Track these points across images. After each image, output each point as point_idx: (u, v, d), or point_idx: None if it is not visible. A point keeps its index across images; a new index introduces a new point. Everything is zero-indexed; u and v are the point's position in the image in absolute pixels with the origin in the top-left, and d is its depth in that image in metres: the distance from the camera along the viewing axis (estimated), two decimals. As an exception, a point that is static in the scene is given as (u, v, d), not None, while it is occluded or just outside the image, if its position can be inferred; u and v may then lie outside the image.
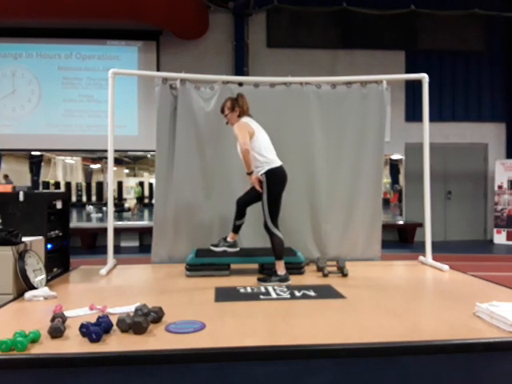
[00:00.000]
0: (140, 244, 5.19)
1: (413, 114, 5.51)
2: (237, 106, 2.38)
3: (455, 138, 5.68)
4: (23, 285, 2.00)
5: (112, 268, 2.81)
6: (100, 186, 5.61)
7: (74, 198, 5.54)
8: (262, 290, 2.17)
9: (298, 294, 2.07)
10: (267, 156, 2.34)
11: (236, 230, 2.58)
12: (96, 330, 1.40)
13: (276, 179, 2.32)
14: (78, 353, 1.32)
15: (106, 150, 2.90)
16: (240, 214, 2.53)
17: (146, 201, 5.78)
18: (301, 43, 5.41)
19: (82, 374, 1.27)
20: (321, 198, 3.12)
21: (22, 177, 5.40)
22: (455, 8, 5.40)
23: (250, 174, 2.29)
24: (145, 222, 5.39)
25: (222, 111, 2.45)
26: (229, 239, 2.61)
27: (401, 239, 5.50)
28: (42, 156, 5.39)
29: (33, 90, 5.15)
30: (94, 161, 5.65)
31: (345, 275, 2.50)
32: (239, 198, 2.56)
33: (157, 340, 1.42)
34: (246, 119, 2.38)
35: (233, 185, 3.07)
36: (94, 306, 1.78)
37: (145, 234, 5.10)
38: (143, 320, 1.48)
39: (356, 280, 2.42)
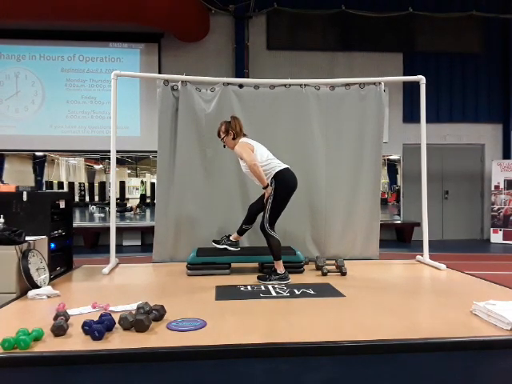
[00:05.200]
0: (142, 243, 5.22)
1: (410, 115, 5.54)
2: (230, 129, 2.42)
3: (452, 139, 5.71)
4: (26, 283, 2.02)
5: (114, 267, 2.83)
6: (103, 186, 5.64)
7: (76, 198, 5.56)
8: (262, 288, 2.19)
9: (297, 292, 2.09)
10: (272, 162, 2.38)
11: (241, 232, 2.63)
12: (98, 327, 1.42)
13: (284, 181, 2.33)
14: (81, 350, 1.33)
15: (108, 151, 2.93)
16: (249, 219, 2.59)
17: (148, 200, 5.81)
18: (300, 45, 5.44)
19: (85, 372, 1.28)
20: (320, 197, 3.15)
21: (25, 177, 5.42)
22: (453, 10, 5.44)
23: (265, 187, 2.31)
24: (147, 222, 5.41)
25: (219, 135, 2.50)
26: (232, 238, 2.64)
27: (399, 238, 5.53)
28: (45, 157, 5.41)
29: (36, 92, 5.17)
30: (97, 161, 5.68)
31: (343, 274, 2.53)
32: (251, 204, 2.62)
33: (158, 338, 1.44)
34: (242, 139, 2.42)
35: (234, 185, 3.10)
36: (96, 305, 1.81)
37: (147, 233, 5.13)
38: (145, 318, 1.50)
39: (355, 279, 2.45)
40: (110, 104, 2.89)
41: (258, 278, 2.37)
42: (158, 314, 1.62)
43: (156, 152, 3.09)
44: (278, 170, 2.34)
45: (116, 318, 1.55)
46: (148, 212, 5.73)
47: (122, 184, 5.71)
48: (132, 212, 5.67)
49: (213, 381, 1.28)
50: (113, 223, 2.82)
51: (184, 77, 3.02)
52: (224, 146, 2.52)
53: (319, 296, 2.02)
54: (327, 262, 2.66)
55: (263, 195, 2.43)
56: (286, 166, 2.40)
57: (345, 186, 3.16)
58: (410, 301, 1.96)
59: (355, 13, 5.27)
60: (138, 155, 5.59)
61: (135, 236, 5.20)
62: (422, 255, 3.04)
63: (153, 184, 5.66)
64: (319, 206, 3.15)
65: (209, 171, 3.09)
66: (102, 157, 5.54)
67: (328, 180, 3.15)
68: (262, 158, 2.36)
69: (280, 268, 2.35)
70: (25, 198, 2.35)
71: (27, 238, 2.18)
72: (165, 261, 3.06)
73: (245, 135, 2.47)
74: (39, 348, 1.34)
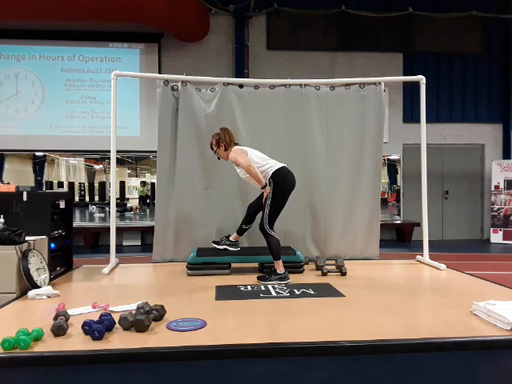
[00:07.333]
0: (142, 243, 5.22)
1: (410, 115, 5.55)
2: (220, 141, 2.44)
3: (452, 139, 5.72)
4: (26, 283, 2.02)
5: (114, 267, 2.84)
6: (103, 186, 5.64)
7: (76, 198, 5.56)
8: (262, 288, 2.19)
9: (297, 292, 2.10)
10: (267, 161, 2.40)
11: (241, 232, 2.64)
12: (98, 327, 1.42)
13: (282, 180, 2.35)
14: (81, 350, 1.34)
15: (108, 151, 2.93)
16: (249, 219, 2.61)
17: (148, 200, 5.81)
18: (300, 45, 5.45)
19: (85, 372, 1.28)
20: (320, 197, 3.15)
21: (25, 177, 5.42)
22: (453, 10, 5.45)
23: (263, 187, 2.33)
24: (147, 222, 5.42)
25: (212, 148, 2.53)
26: (231, 238, 2.65)
27: (399, 238, 5.53)
28: (45, 157, 5.41)
29: (36, 92, 5.18)
30: (97, 161, 5.68)
31: (343, 274, 2.53)
32: (250, 204, 2.64)
33: (158, 338, 1.44)
34: (235, 147, 2.44)
35: (233, 185, 3.10)
36: (96, 305, 1.81)
37: (147, 233, 5.13)
38: (145, 318, 1.51)
39: (355, 279, 2.45)
40: (110, 104, 2.90)
41: (258, 278, 2.38)
42: (158, 313, 1.62)
43: (156, 152, 3.09)
44: (274, 169, 2.35)
45: (116, 318, 1.55)
46: (148, 212, 5.73)
47: (122, 184, 5.71)
48: (132, 212, 5.68)
49: (213, 381, 1.28)
50: (113, 223, 2.82)
51: (184, 77, 3.02)
52: (218, 158, 2.54)
53: (319, 296, 2.02)
54: (327, 261, 2.66)
55: (262, 194, 2.43)
56: (283, 164, 2.41)
57: (345, 185, 3.17)
58: (410, 301, 1.96)
59: (355, 13, 5.28)
60: (138, 155, 5.59)
61: (135, 236, 5.21)
62: (421, 255, 3.04)
63: (152, 184, 5.66)
64: (319, 206, 3.15)
65: (208, 171, 3.09)
66: (102, 157, 5.54)
67: (328, 180, 3.15)
68: (257, 159, 2.38)
69: (280, 268, 2.35)
70: (25, 198, 2.35)
71: (27, 238, 2.18)
72: (165, 261, 3.06)
73: (236, 144, 2.49)
74: (39, 348, 1.35)
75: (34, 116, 5.20)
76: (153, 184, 5.63)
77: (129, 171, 5.78)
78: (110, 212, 2.88)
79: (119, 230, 4.53)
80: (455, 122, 5.68)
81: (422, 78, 3.01)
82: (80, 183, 5.67)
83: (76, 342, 1.41)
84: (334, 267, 2.58)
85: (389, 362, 1.36)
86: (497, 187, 5.48)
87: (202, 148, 3.06)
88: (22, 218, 2.32)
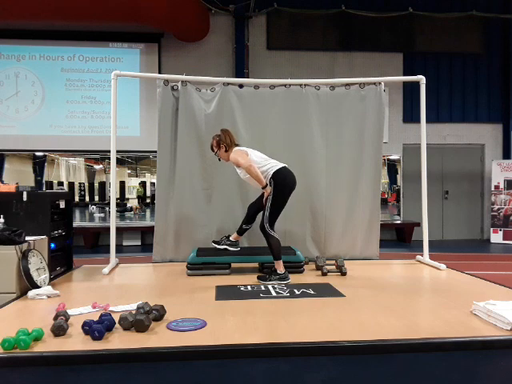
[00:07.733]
0: (142, 243, 5.23)
1: (410, 115, 5.56)
2: (221, 142, 2.45)
3: (452, 139, 5.73)
4: (26, 283, 2.02)
5: (114, 267, 2.83)
6: (103, 186, 5.64)
7: (76, 198, 5.57)
8: (262, 288, 2.19)
9: (297, 292, 2.10)
10: (268, 162, 2.40)
11: (241, 232, 2.64)
12: (98, 327, 1.42)
13: (283, 180, 2.35)
14: (81, 350, 1.33)
15: (108, 151, 2.93)
16: (249, 219, 2.61)
17: (148, 200, 5.82)
18: (300, 45, 5.46)
19: (85, 372, 1.28)
20: (320, 197, 3.16)
21: (25, 177, 5.43)
22: (453, 10, 5.46)
23: (264, 187, 2.33)
24: (147, 222, 5.43)
25: (212, 150, 2.53)
26: (231, 238, 2.65)
27: (399, 238, 5.55)
28: (45, 156, 5.42)
29: (36, 92, 5.19)
30: (97, 161, 5.68)
31: (343, 274, 2.53)
32: (251, 204, 2.64)
33: (158, 338, 1.44)
34: (235, 148, 2.44)
35: (233, 185, 3.10)
36: (96, 305, 1.81)
37: (147, 233, 5.14)
38: (145, 318, 1.50)
39: (355, 279, 2.45)
40: (109, 104, 2.89)
41: (258, 277, 2.38)
42: (158, 313, 1.62)
43: (156, 152, 3.09)
44: (275, 169, 2.36)
45: (116, 318, 1.54)
46: (148, 212, 5.74)
47: (122, 184, 5.71)
48: (132, 212, 5.69)
49: (213, 381, 1.28)
50: (113, 223, 2.82)
51: (184, 77, 3.02)
52: (219, 160, 2.54)
53: (319, 296, 2.02)
54: (327, 261, 2.66)
55: (262, 194, 2.44)
56: (283, 164, 2.42)
57: (345, 186, 3.17)
58: (410, 301, 1.96)
59: (355, 13, 5.29)
60: (138, 155, 5.60)
61: (135, 236, 5.21)
62: (421, 255, 3.04)
63: (153, 183, 5.67)
64: (319, 206, 3.15)
65: (208, 171, 3.09)
66: (102, 157, 5.54)
67: (328, 180, 3.15)
68: (258, 159, 2.39)
69: (280, 268, 2.35)
70: (25, 198, 2.35)
71: (27, 238, 2.18)
72: (165, 261, 3.06)
73: (237, 145, 2.49)
74: (39, 348, 1.34)
75: (33, 116, 5.21)
76: (153, 184, 5.64)
77: (129, 171, 5.79)
78: (109, 212, 2.87)
79: (119, 230, 4.54)
80: (455, 122, 5.69)
81: (422, 78, 3.01)
82: (80, 183, 5.68)
83: (76, 341, 1.40)
84: (334, 267, 2.58)
85: (389, 362, 1.36)
86: (497, 187, 5.48)
87: (201, 148, 3.05)
88: (21, 218, 2.32)
